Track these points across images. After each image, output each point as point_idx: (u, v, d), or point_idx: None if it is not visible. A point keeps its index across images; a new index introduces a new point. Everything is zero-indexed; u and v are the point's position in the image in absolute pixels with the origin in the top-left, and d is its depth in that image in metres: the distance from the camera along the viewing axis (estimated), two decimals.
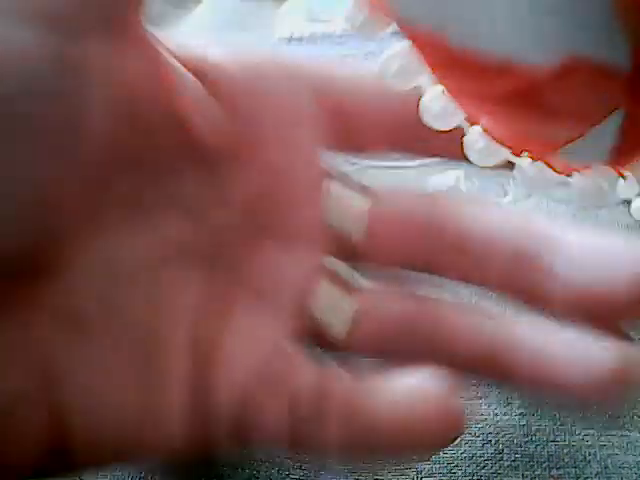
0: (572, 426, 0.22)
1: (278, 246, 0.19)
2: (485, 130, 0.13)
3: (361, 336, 0.19)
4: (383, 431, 0.17)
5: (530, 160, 0.14)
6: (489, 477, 0.22)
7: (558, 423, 0.23)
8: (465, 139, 0.14)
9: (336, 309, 0.19)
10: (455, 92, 0.13)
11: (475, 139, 0.14)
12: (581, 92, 0.11)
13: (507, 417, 0.23)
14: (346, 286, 0.19)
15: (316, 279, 0.19)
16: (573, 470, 0.21)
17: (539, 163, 0.14)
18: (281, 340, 0.19)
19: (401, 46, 0.14)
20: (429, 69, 0.13)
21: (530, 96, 0.12)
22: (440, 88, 0.13)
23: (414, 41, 0.13)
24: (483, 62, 0.11)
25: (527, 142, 0.13)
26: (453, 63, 0.12)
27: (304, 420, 0.17)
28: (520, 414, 0.23)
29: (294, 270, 0.19)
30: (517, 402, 0.23)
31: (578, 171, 0.14)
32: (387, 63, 0.15)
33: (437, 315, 0.19)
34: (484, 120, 0.13)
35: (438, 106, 0.14)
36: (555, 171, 0.14)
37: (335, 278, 0.19)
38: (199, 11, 0.45)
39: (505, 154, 0.14)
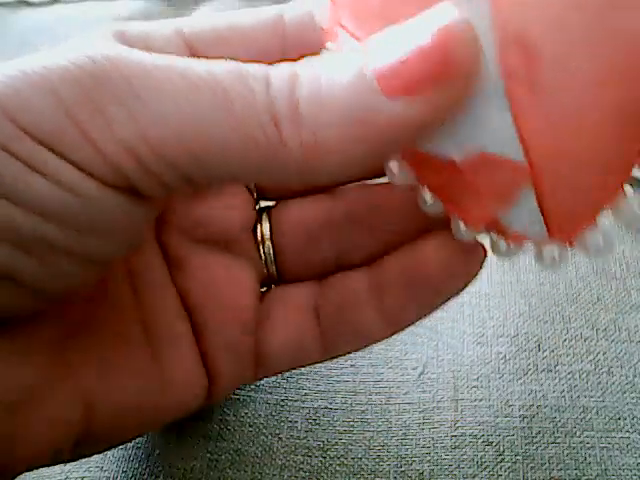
0: (572, 428, 0.23)
1: None
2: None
3: None
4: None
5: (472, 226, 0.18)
6: (490, 478, 0.22)
7: (558, 425, 0.23)
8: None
9: None
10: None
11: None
12: (492, 177, 0.16)
13: (508, 419, 0.23)
14: None
15: None
16: (574, 472, 0.21)
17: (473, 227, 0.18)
18: None
19: None
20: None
21: (456, 173, 0.16)
22: None
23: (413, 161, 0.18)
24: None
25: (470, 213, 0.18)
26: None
27: None
28: (521, 416, 0.23)
29: None
30: (518, 404, 0.23)
31: (522, 239, 0.18)
32: None
33: None
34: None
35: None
36: (506, 238, 0.18)
37: None
38: (200, 13, 0.45)
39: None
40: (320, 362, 0.22)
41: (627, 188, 0.16)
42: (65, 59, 0.14)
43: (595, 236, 0.17)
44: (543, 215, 0.16)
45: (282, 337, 0.21)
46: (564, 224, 0.17)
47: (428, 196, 0.18)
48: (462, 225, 0.18)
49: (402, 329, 0.21)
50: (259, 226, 0.22)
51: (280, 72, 0.15)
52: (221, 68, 0.15)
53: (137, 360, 0.19)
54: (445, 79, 0.14)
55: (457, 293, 0.20)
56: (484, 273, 0.28)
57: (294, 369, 0.23)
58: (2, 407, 0.16)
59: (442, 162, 0.16)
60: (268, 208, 0.22)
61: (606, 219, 0.17)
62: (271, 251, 0.22)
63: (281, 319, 0.21)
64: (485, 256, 0.19)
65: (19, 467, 0.17)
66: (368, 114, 0.14)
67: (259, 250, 0.22)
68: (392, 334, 0.21)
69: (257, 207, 0.22)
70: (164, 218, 0.21)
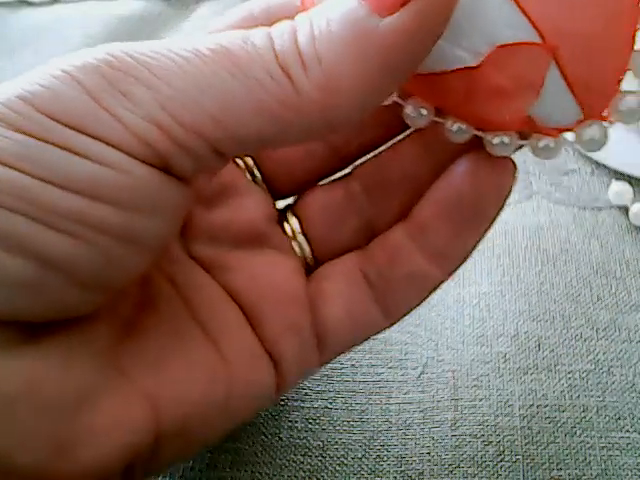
0: (572, 427, 0.23)
1: None
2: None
3: None
4: None
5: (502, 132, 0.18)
6: (490, 478, 0.22)
7: (558, 424, 0.23)
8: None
9: None
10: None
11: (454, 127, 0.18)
12: (513, 68, 0.16)
13: (508, 418, 0.23)
14: None
15: None
16: (574, 471, 0.21)
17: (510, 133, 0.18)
18: None
19: None
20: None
21: (476, 80, 0.16)
22: None
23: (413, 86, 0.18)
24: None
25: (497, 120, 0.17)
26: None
27: None
28: (521, 415, 0.23)
29: None
30: (518, 404, 0.23)
31: (558, 131, 0.17)
32: None
33: None
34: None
35: None
36: (539, 132, 0.17)
37: None
38: (200, 12, 0.45)
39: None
40: (387, 328, 0.22)
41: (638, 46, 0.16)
42: (86, 56, 0.16)
43: (627, 101, 0.17)
44: (573, 93, 0.16)
45: (337, 308, 0.21)
46: (594, 98, 0.17)
47: (452, 123, 0.18)
48: (496, 138, 0.18)
49: (455, 268, 0.21)
50: (286, 224, 0.22)
51: (279, 27, 0.16)
52: (225, 37, 0.16)
53: (195, 353, 0.19)
54: None
55: (497, 213, 0.20)
56: (484, 272, 0.28)
57: (361, 343, 0.22)
58: (59, 409, 0.16)
59: (459, 75, 0.16)
60: (290, 206, 0.22)
61: (629, 83, 0.17)
62: (305, 243, 0.22)
63: (332, 292, 0.21)
64: (515, 168, 0.19)
65: None
66: (365, 36, 0.15)
67: (293, 245, 0.22)
68: (447, 275, 0.21)
69: (275, 206, 0.22)
70: (189, 235, 0.21)
